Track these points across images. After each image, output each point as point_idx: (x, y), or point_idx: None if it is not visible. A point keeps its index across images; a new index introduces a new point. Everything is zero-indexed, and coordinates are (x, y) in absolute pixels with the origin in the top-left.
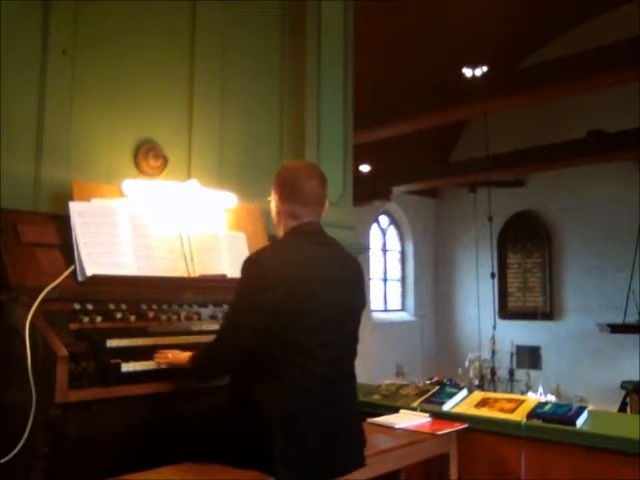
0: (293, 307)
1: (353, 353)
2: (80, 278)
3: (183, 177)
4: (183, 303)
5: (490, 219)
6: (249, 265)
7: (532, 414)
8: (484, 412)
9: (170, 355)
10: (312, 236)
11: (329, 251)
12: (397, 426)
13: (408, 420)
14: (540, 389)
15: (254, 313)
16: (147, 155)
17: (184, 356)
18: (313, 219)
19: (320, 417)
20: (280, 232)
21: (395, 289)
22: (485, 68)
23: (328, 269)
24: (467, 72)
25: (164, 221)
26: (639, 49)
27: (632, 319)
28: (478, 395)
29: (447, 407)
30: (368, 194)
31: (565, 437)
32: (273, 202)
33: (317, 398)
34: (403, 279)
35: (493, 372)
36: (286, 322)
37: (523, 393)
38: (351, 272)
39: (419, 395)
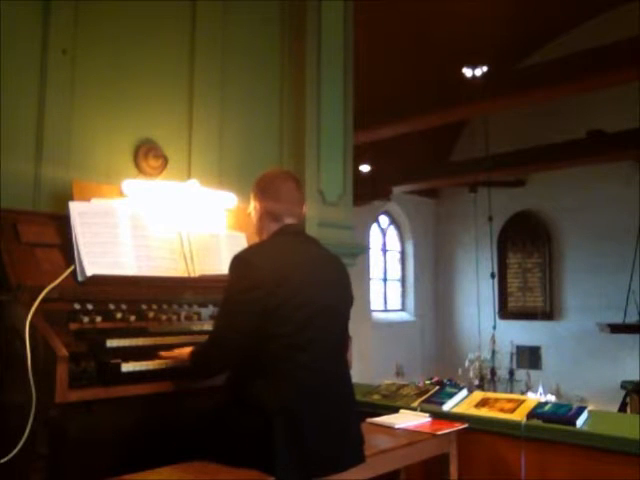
0: (281, 302)
1: (345, 347)
2: (80, 278)
3: (183, 177)
4: (183, 303)
5: (490, 219)
6: (236, 264)
7: (532, 414)
8: (484, 412)
9: (176, 351)
10: (296, 236)
11: (313, 250)
12: (397, 426)
13: (408, 420)
14: (540, 389)
15: (244, 313)
16: (147, 155)
17: (187, 351)
18: (294, 221)
19: (317, 412)
20: (262, 237)
21: (395, 289)
22: (485, 68)
23: (314, 267)
24: (467, 72)
25: (164, 221)
26: (639, 49)
27: (632, 319)
28: (478, 395)
29: (447, 407)
30: (368, 194)
31: (565, 437)
32: (254, 210)
33: (313, 392)
34: (403, 279)
35: (493, 372)
36: (276, 317)
37: (523, 393)
38: (336, 270)
39: (419, 395)
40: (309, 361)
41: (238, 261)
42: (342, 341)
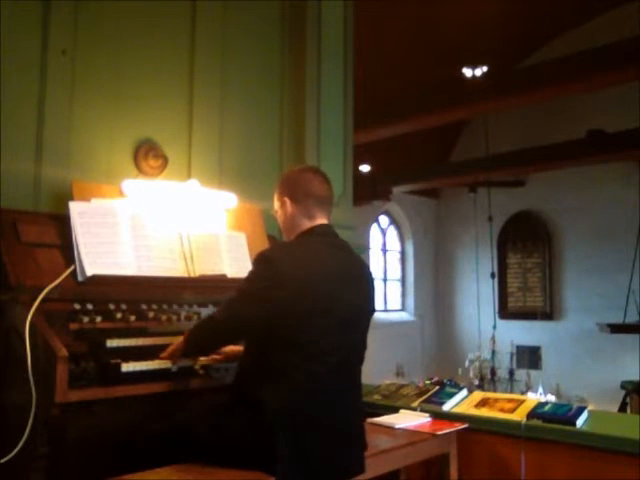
0: (302, 308)
1: (361, 359)
2: (80, 278)
3: (183, 177)
4: (183, 303)
5: (490, 219)
6: (261, 261)
7: (532, 414)
8: (484, 412)
9: (170, 348)
10: (326, 238)
11: (343, 254)
12: (397, 426)
13: (408, 420)
14: (540, 389)
15: (256, 305)
16: (147, 155)
17: (180, 339)
18: (325, 221)
19: (323, 420)
20: (290, 236)
21: (395, 289)
22: (485, 68)
23: (341, 272)
24: (467, 72)
25: (164, 221)
26: (639, 49)
27: (632, 319)
28: (478, 395)
29: (447, 407)
30: (368, 194)
31: (565, 437)
32: (282, 208)
33: (322, 401)
34: (403, 279)
35: (493, 372)
36: (295, 323)
37: (523, 393)
38: (363, 277)
39: (419, 395)
40: (323, 370)
41: (262, 259)
42: (360, 349)
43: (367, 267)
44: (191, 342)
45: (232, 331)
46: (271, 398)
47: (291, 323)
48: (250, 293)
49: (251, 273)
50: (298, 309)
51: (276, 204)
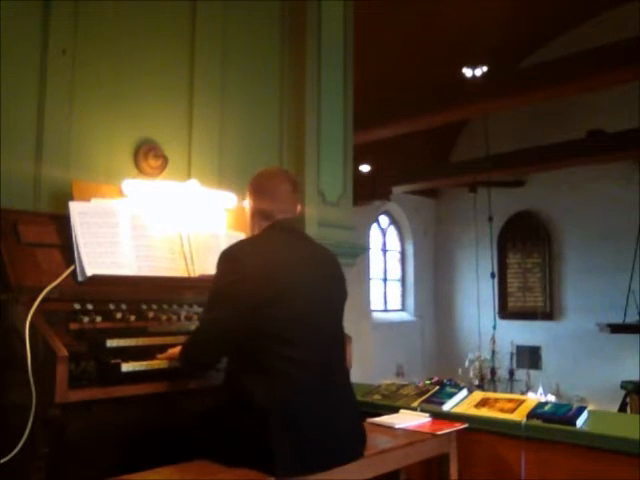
0: (271, 299)
1: (340, 342)
2: (80, 278)
3: (183, 177)
4: (183, 303)
5: (490, 219)
6: (223, 258)
7: (532, 414)
8: (484, 412)
9: (169, 351)
10: (287, 231)
11: (304, 245)
12: (397, 426)
13: (408, 420)
14: (540, 389)
15: (230, 305)
16: (147, 155)
17: (179, 350)
18: (287, 216)
19: (314, 407)
20: (251, 231)
21: (395, 289)
22: (485, 68)
23: (305, 262)
24: (467, 72)
25: (164, 221)
26: (639, 49)
27: (632, 319)
28: (478, 395)
29: (447, 407)
30: (368, 194)
31: (565, 437)
32: (247, 207)
33: (309, 389)
34: (403, 279)
35: (493, 372)
36: (266, 314)
37: (523, 393)
38: (328, 264)
39: (419, 395)
40: (303, 357)
41: (225, 255)
42: (337, 335)
43: (332, 254)
44: (186, 361)
45: (217, 339)
46: (259, 391)
47: (264, 316)
48: (219, 294)
49: (216, 273)
50: (265, 301)
51: (245, 201)
